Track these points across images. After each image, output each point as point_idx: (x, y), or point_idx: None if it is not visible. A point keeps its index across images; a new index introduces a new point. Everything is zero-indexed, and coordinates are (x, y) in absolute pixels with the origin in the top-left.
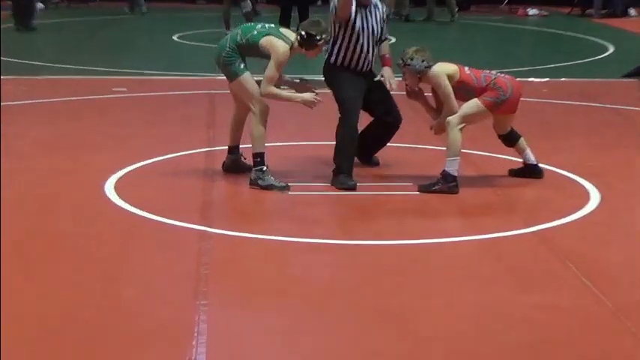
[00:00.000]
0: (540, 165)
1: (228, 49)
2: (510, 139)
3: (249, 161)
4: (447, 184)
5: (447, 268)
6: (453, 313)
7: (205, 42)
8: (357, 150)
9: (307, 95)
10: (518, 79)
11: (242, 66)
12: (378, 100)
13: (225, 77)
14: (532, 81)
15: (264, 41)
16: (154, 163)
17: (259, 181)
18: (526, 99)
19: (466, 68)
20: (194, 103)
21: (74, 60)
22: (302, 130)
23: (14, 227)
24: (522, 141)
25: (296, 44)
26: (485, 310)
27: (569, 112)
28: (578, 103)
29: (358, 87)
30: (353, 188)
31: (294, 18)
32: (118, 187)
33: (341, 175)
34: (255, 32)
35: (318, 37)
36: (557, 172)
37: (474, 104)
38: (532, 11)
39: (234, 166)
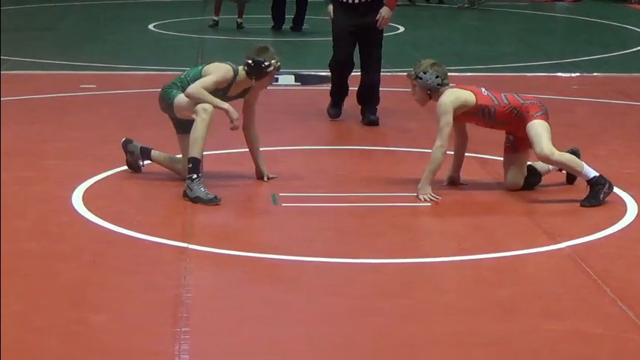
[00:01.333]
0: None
1: (170, 85)
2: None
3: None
4: (602, 186)
5: (461, 292)
6: (467, 344)
7: (186, 32)
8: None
9: (233, 111)
10: (544, 74)
11: (175, 91)
12: (362, 55)
13: (168, 113)
14: (560, 76)
15: (208, 67)
16: (126, 172)
17: (187, 192)
18: (553, 97)
19: (483, 89)
20: None
21: (34, 52)
22: (298, 134)
23: None
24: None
25: (242, 73)
26: (505, 340)
27: (603, 112)
28: (614, 101)
29: (346, 28)
30: (332, 116)
31: (290, 4)
32: (87, 199)
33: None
34: (199, 67)
35: (266, 64)
36: None
37: (540, 126)
38: None
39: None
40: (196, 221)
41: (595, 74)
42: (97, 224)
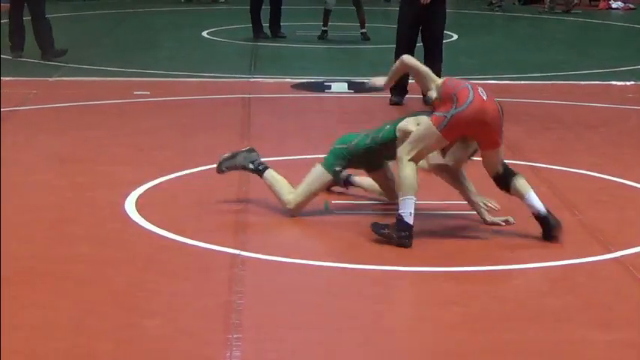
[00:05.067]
0: (554, 216)
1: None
2: (503, 181)
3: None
4: (399, 232)
5: (510, 302)
6: (518, 353)
7: (239, 39)
8: None
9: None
10: (598, 82)
11: None
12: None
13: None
14: (614, 84)
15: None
16: (180, 178)
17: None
18: (608, 105)
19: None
20: (226, 108)
21: (90, 59)
22: None
23: (21, 252)
24: (521, 183)
25: None
26: (557, 350)
27: None
28: None
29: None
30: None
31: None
32: (140, 205)
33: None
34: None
35: None
36: None
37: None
38: (616, 4)
39: None
40: (249, 228)
41: None
42: (149, 230)
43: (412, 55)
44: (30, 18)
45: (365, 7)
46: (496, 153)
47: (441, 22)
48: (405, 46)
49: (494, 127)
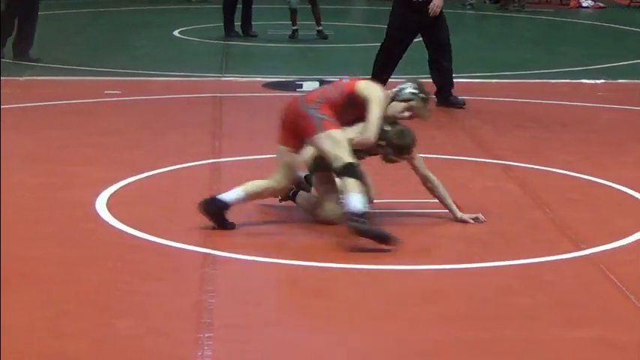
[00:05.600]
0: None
1: None
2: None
3: None
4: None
5: (481, 300)
6: (490, 351)
7: (210, 38)
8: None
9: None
10: (568, 80)
11: None
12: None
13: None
14: (584, 82)
15: None
16: (151, 177)
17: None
18: (578, 103)
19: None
20: (198, 107)
21: (60, 58)
22: None
23: None
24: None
25: None
26: (528, 347)
27: (629, 120)
28: (639, 108)
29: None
30: None
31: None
32: (112, 205)
33: None
34: None
35: None
36: (614, 188)
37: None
38: (586, 2)
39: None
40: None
41: (620, 81)
42: (121, 230)
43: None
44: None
45: (342, 6)
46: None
47: (445, 27)
48: (396, 57)
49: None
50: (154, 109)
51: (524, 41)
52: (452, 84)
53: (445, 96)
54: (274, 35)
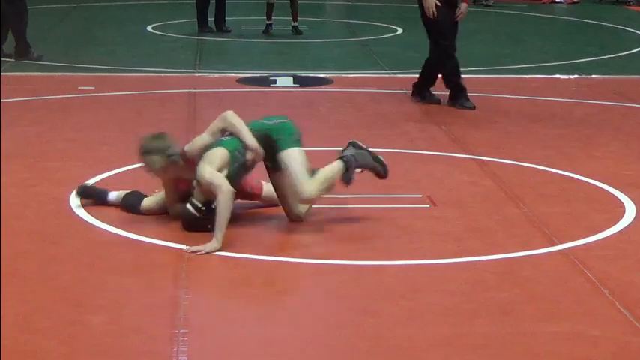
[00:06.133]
0: None
1: None
2: None
3: None
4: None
5: (459, 294)
6: (465, 346)
7: (184, 33)
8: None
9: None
10: (542, 75)
11: None
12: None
13: None
14: (558, 78)
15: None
16: (125, 173)
17: None
18: (551, 98)
19: None
20: (172, 103)
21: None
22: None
23: None
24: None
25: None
26: (503, 342)
27: (602, 114)
28: (613, 103)
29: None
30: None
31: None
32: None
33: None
34: None
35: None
36: (588, 183)
37: None
38: None
39: None
40: None
41: (593, 76)
42: (95, 226)
43: None
44: None
45: (316, 1)
46: None
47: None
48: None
49: None
50: (128, 105)
51: (499, 36)
52: (433, 81)
53: (423, 91)
54: (248, 30)
